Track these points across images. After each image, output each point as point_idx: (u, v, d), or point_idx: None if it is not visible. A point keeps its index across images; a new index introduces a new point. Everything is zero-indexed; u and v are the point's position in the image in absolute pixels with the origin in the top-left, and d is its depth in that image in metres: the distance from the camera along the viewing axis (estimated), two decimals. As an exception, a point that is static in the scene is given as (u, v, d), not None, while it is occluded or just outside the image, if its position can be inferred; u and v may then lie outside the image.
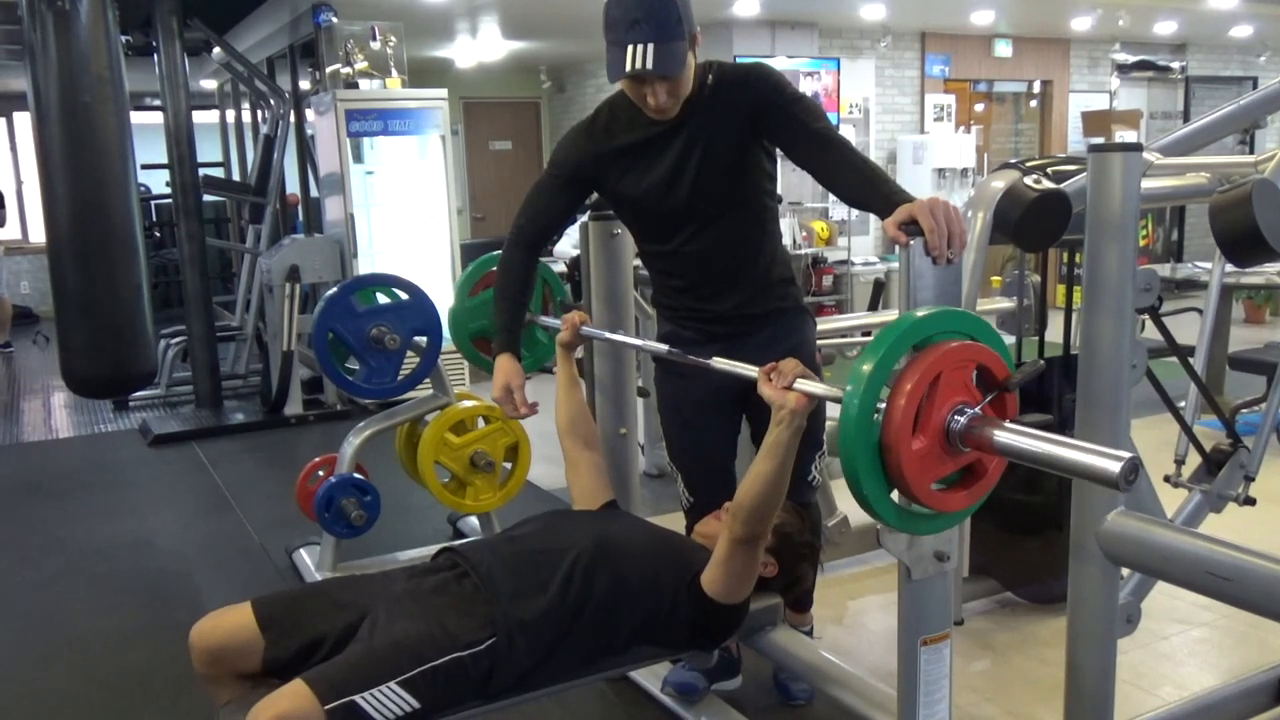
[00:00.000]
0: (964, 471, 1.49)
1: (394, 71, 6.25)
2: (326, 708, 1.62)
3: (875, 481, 1.42)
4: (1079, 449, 1.33)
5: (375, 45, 6.21)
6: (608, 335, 2.44)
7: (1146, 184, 1.92)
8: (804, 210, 8.35)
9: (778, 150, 2.24)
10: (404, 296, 3.44)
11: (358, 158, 6.15)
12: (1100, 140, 9.08)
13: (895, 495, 1.47)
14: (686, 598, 1.95)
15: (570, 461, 2.36)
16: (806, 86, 7.98)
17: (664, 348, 2.24)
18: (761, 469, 1.80)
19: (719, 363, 1.96)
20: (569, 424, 2.39)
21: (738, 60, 7.78)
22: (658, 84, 2.05)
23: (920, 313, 1.48)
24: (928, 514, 1.49)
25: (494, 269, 2.88)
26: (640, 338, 3.12)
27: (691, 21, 2.05)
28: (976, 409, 1.44)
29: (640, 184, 2.23)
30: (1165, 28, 9.35)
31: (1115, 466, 1.27)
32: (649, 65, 1.98)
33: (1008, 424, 1.43)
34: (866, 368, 1.41)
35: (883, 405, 1.40)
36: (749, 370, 1.82)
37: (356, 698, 1.65)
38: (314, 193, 6.95)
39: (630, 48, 1.98)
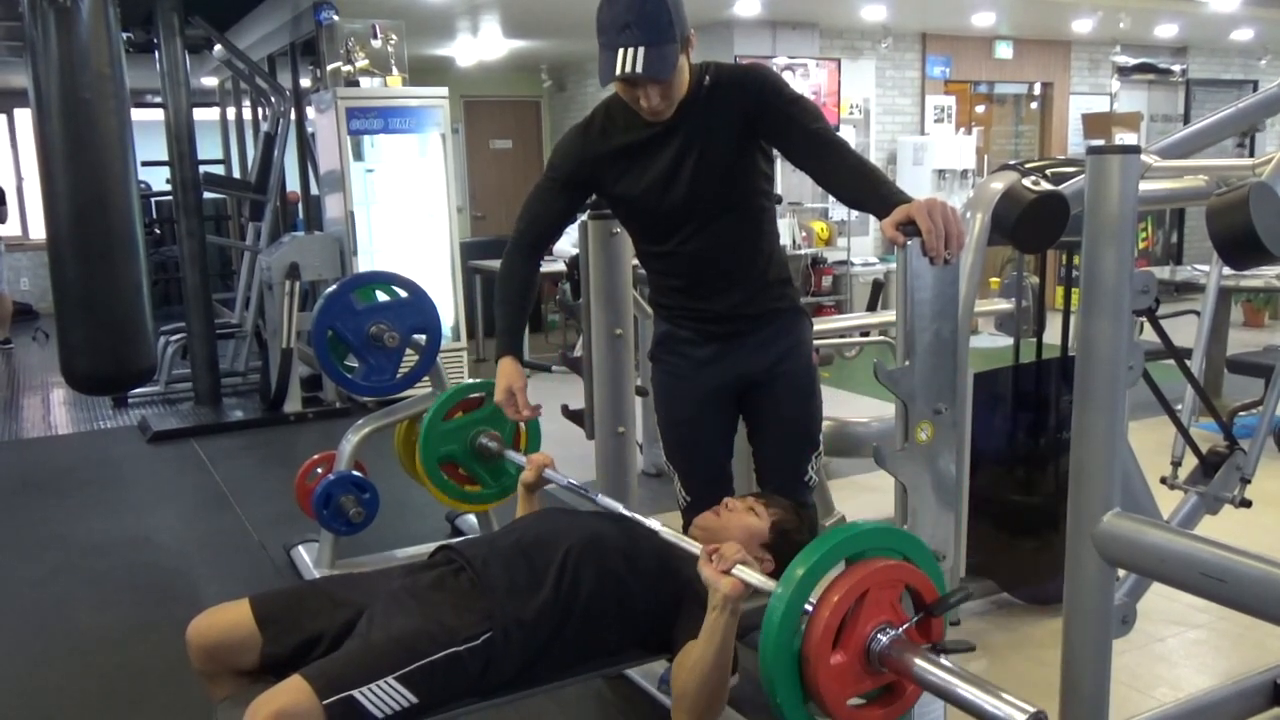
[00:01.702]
0: (884, 689, 1.48)
1: (395, 69, 6.25)
2: (325, 703, 1.63)
3: (790, 691, 1.42)
4: (987, 696, 1.32)
5: (376, 43, 6.22)
6: (570, 481, 2.30)
7: (1145, 186, 1.92)
8: (804, 210, 8.36)
9: (775, 151, 2.25)
10: (403, 295, 3.45)
11: (358, 156, 6.15)
12: (1100, 142, 9.10)
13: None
14: (677, 597, 1.95)
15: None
16: (807, 83, 7.99)
17: (619, 507, 2.18)
18: (698, 654, 1.77)
19: (665, 532, 1.94)
20: None
21: (738, 60, 7.79)
22: (649, 87, 2.05)
23: (855, 528, 1.49)
24: None
25: (472, 395, 2.89)
26: (636, 344, 3.13)
27: (684, 24, 2.05)
28: (900, 630, 1.44)
29: (637, 185, 2.23)
30: (1166, 30, 9.36)
31: (1020, 718, 1.27)
32: (639, 69, 1.98)
33: (927, 654, 1.42)
34: (797, 573, 1.41)
35: (810, 613, 1.41)
36: (693, 547, 1.82)
37: (355, 693, 1.66)
38: (314, 190, 6.96)
39: (621, 51, 1.98)
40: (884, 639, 1.43)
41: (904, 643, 1.43)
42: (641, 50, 1.97)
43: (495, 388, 2.36)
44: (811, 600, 1.42)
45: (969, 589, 1.55)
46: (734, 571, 1.69)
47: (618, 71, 1.99)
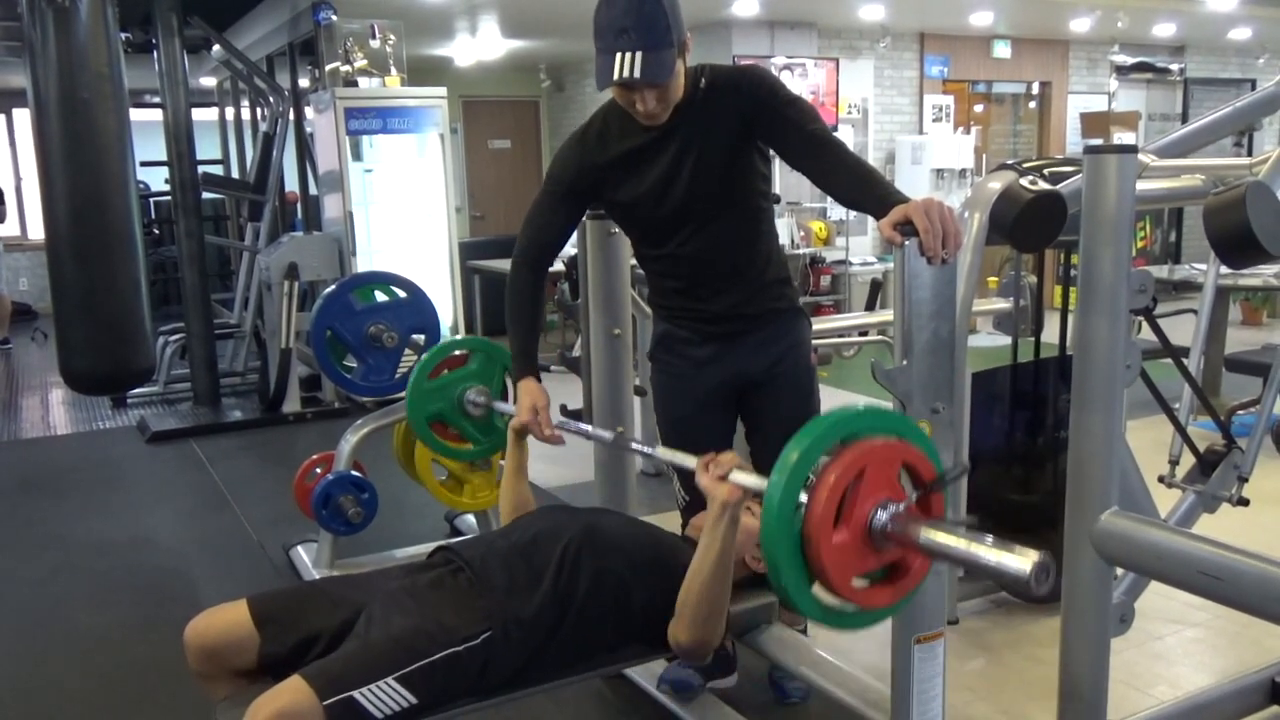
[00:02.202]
0: (889, 569, 1.48)
1: (393, 70, 6.25)
2: (325, 703, 1.63)
3: (795, 573, 1.41)
4: (997, 551, 1.33)
5: (375, 43, 6.22)
6: (562, 419, 2.34)
7: (1142, 186, 1.93)
8: (802, 210, 8.36)
9: (771, 151, 2.25)
10: (402, 295, 3.45)
11: (357, 156, 6.15)
12: (1098, 141, 9.10)
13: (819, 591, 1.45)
14: (668, 613, 1.96)
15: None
16: (805, 83, 8.00)
17: (609, 435, 2.22)
18: (699, 565, 1.78)
19: (661, 451, 1.97)
20: (511, 514, 2.32)
21: (736, 60, 7.78)
22: (646, 91, 2.05)
23: (849, 409, 1.48)
24: (851, 610, 1.47)
25: (455, 353, 2.88)
26: (633, 338, 3.13)
27: (681, 29, 2.05)
28: (901, 506, 1.44)
29: (636, 191, 2.23)
30: (1164, 29, 9.36)
31: (1026, 566, 1.28)
32: (637, 74, 1.98)
33: (929, 521, 1.42)
34: (792, 457, 1.40)
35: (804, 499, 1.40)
36: (688, 460, 1.82)
37: (354, 693, 1.66)
38: (313, 190, 6.96)
39: (618, 55, 1.97)
40: (885, 515, 1.42)
41: (906, 516, 1.43)
42: (639, 54, 1.97)
43: (519, 408, 2.30)
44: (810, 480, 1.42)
45: (967, 465, 1.55)
46: (731, 477, 1.69)
47: (615, 76, 1.99)
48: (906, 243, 1.66)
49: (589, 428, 2.34)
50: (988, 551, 1.34)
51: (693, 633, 1.85)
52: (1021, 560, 1.29)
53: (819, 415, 1.46)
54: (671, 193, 2.21)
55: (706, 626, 1.84)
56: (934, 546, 1.39)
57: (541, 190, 2.35)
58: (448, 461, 3.43)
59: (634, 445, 2.34)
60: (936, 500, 1.49)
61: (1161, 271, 6.63)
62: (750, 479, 1.68)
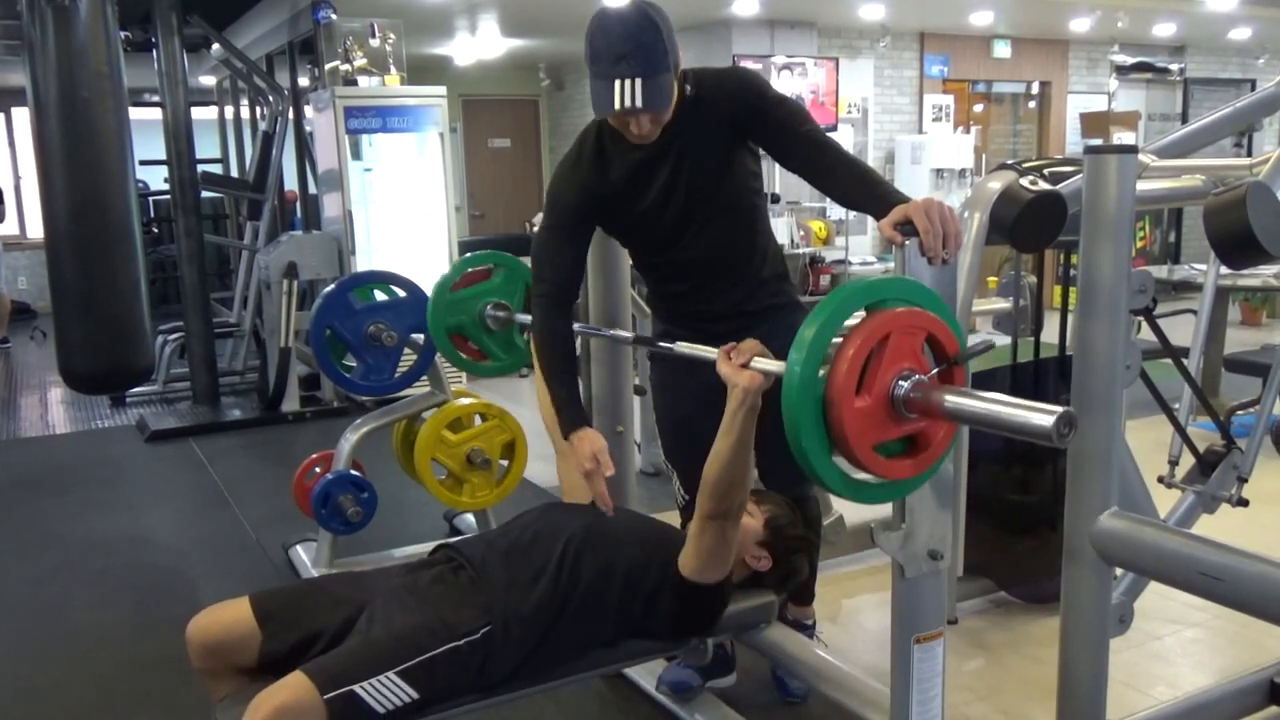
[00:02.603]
0: (910, 442, 1.48)
1: (393, 69, 6.25)
2: (326, 698, 1.63)
3: (816, 439, 1.40)
4: (1015, 408, 1.36)
5: (374, 42, 6.21)
6: (589, 329, 2.43)
7: (1142, 186, 1.93)
8: (801, 209, 8.37)
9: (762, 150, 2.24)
10: (401, 294, 3.45)
11: (356, 155, 6.15)
12: (1098, 142, 9.11)
13: (841, 462, 1.45)
14: (667, 585, 1.97)
15: (561, 452, 2.34)
16: (805, 82, 8.00)
17: (629, 335, 2.22)
18: (719, 446, 1.83)
19: (681, 347, 1.99)
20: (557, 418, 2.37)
21: (736, 60, 7.77)
22: (642, 115, 2.04)
23: (873, 279, 1.49)
24: (873, 482, 1.47)
25: (478, 268, 2.86)
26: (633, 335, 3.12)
27: (676, 50, 2.03)
28: (924, 377, 1.44)
29: (639, 208, 2.23)
30: (1164, 29, 9.36)
31: (1048, 421, 1.31)
32: (638, 103, 1.96)
33: (952, 389, 1.43)
34: (814, 326, 1.40)
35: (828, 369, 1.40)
36: (709, 352, 1.83)
37: (356, 688, 1.67)
38: (312, 189, 6.96)
39: (618, 83, 1.96)
40: (907, 384, 1.42)
41: (928, 384, 1.43)
42: (639, 82, 1.95)
43: (579, 457, 2.12)
44: (833, 344, 1.42)
45: (992, 341, 1.56)
46: (752, 364, 1.71)
47: (616, 105, 1.97)
48: (907, 243, 1.66)
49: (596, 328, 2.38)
50: (1010, 410, 1.36)
51: (713, 503, 1.88)
52: (1044, 416, 1.31)
53: (846, 283, 1.46)
54: (672, 204, 2.21)
55: (727, 498, 1.88)
56: (957, 410, 1.40)
57: (546, 225, 2.28)
58: (447, 460, 3.43)
59: (648, 341, 2.32)
60: (959, 373, 1.49)
61: (1161, 272, 6.63)
62: (772, 365, 1.68)
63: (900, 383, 1.43)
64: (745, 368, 1.71)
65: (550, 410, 2.33)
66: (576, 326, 2.32)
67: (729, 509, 1.91)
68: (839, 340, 1.44)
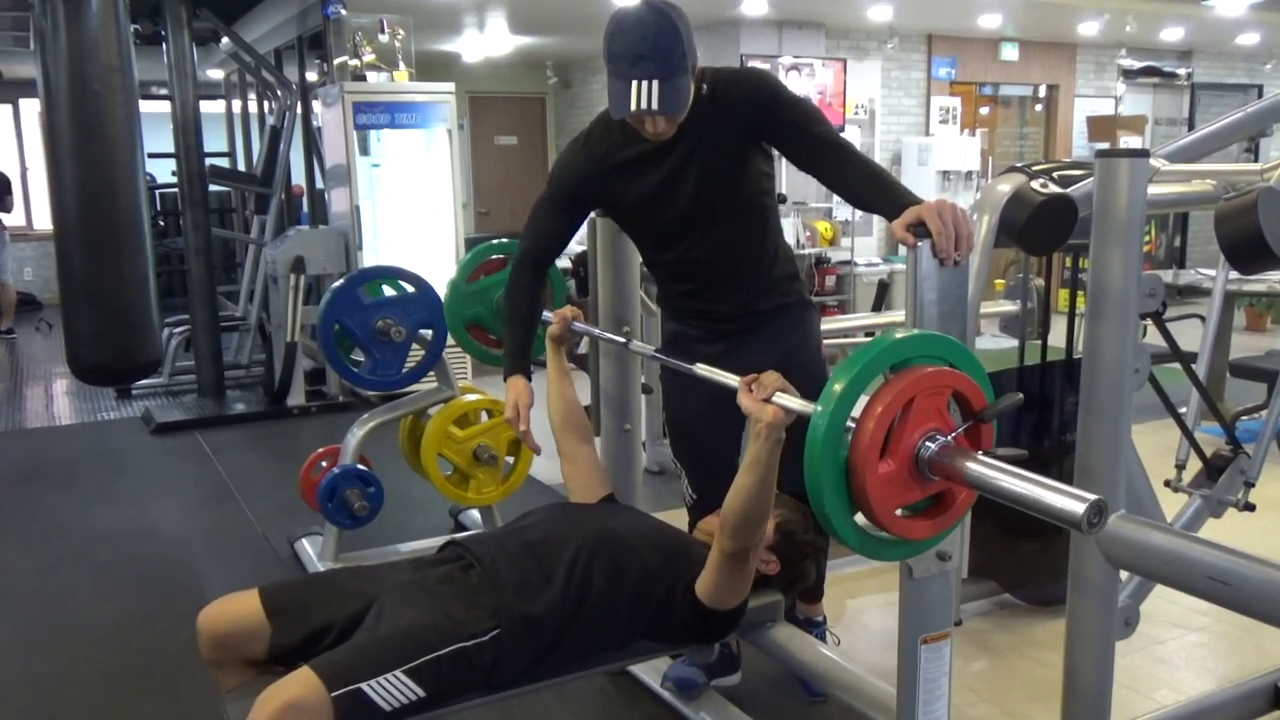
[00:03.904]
0: (932, 500, 1.46)
1: (401, 65, 6.26)
2: (333, 695, 1.63)
3: (839, 501, 1.38)
4: (1043, 488, 1.30)
5: (383, 38, 6.22)
6: (596, 331, 2.44)
7: (1152, 190, 1.93)
8: (808, 210, 8.36)
9: (775, 151, 2.25)
10: (410, 289, 3.46)
11: (364, 150, 6.16)
12: (1105, 145, 9.10)
13: (860, 519, 1.43)
14: (682, 599, 1.96)
15: (566, 455, 2.37)
16: (812, 83, 7.99)
17: (650, 349, 2.24)
18: (744, 482, 1.78)
19: (700, 369, 1.95)
20: (563, 419, 2.39)
21: (744, 60, 7.76)
22: (658, 116, 2.04)
23: (900, 333, 1.45)
24: (891, 540, 1.45)
25: (493, 257, 2.89)
26: (640, 335, 3.13)
27: (694, 52, 2.04)
28: (949, 437, 1.41)
29: (642, 198, 2.24)
30: (1172, 34, 9.35)
31: (1079, 508, 1.25)
32: (655, 105, 1.97)
33: (980, 456, 1.39)
34: (839, 385, 1.37)
35: (852, 426, 1.37)
36: (730, 379, 1.80)
37: (363, 685, 1.67)
38: (319, 184, 6.97)
39: (635, 84, 1.97)
40: (933, 446, 1.39)
41: (954, 448, 1.40)
42: (656, 84, 1.96)
43: (505, 405, 2.38)
44: (855, 413, 1.39)
45: (1019, 396, 1.50)
46: (775, 399, 1.67)
47: (633, 107, 1.98)
48: (920, 244, 1.66)
49: (633, 342, 2.37)
50: (1037, 489, 1.30)
51: (735, 540, 1.84)
52: (1074, 501, 1.25)
53: (871, 341, 1.44)
54: (676, 198, 2.21)
55: (750, 534, 1.85)
56: (981, 481, 1.36)
57: (543, 194, 2.35)
58: (453, 456, 3.44)
59: (666, 357, 2.25)
60: (986, 431, 1.46)
61: (1166, 276, 6.62)
62: (795, 402, 1.65)
63: (926, 444, 1.40)
64: (768, 402, 1.68)
65: (558, 409, 2.36)
66: (595, 330, 2.41)
67: (751, 545, 1.88)
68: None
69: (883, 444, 1.37)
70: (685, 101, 2.04)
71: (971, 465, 1.37)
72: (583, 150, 2.29)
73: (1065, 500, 1.28)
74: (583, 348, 4.24)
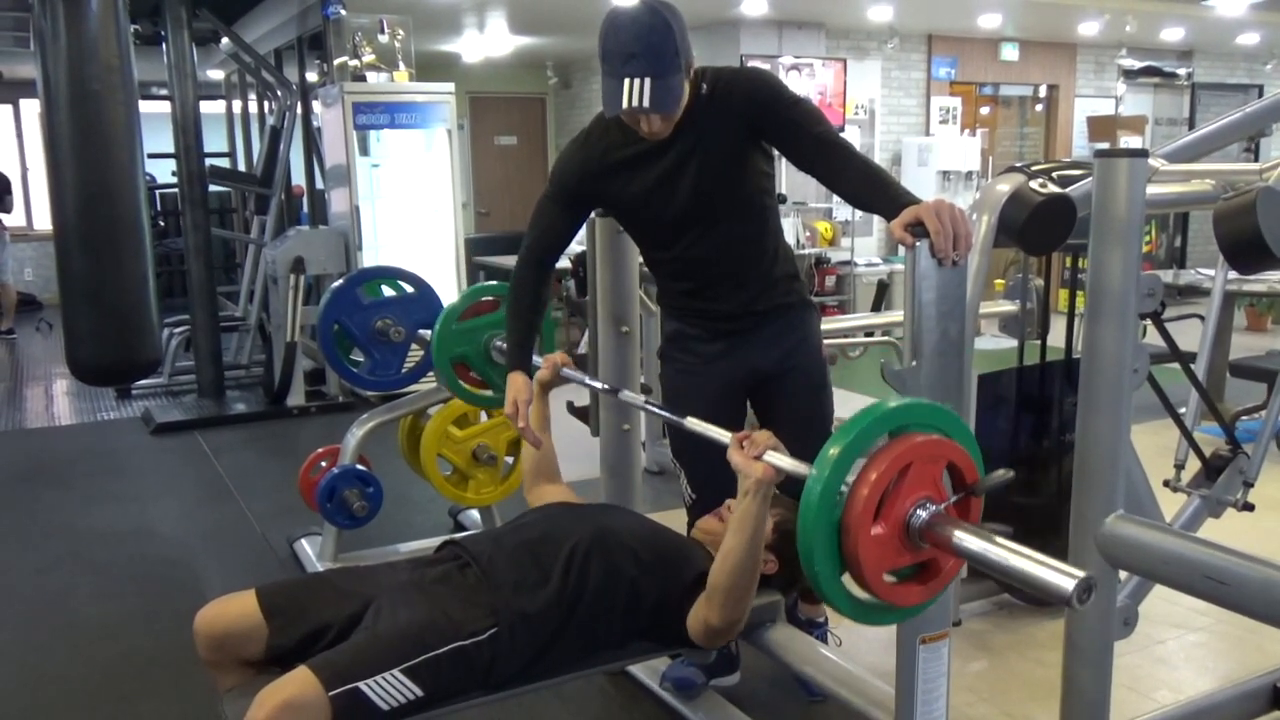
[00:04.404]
0: (920, 567, 1.47)
1: (401, 65, 6.26)
2: (331, 694, 1.63)
3: (829, 561, 1.40)
4: (1034, 562, 1.31)
5: (383, 38, 6.23)
6: (587, 380, 2.38)
7: (1151, 190, 1.93)
8: (808, 210, 8.37)
9: (775, 151, 2.25)
10: (409, 290, 3.46)
11: (364, 150, 6.16)
12: (1105, 145, 9.10)
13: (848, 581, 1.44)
14: (679, 603, 1.96)
15: (529, 491, 2.36)
16: (812, 83, 7.99)
17: (640, 399, 2.22)
18: (731, 545, 1.76)
19: (691, 423, 1.93)
20: (535, 469, 2.37)
21: (744, 60, 7.76)
22: (651, 114, 2.05)
23: (897, 401, 1.48)
24: (878, 605, 1.47)
25: (486, 298, 2.91)
26: (640, 334, 3.13)
27: (688, 51, 2.04)
28: (941, 506, 1.43)
29: (640, 195, 2.24)
30: (1172, 34, 9.35)
31: (1069, 584, 1.26)
32: (645, 103, 1.98)
33: (968, 526, 1.41)
34: (835, 450, 1.40)
35: (846, 488, 1.40)
36: (722, 435, 1.79)
37: (361, 684, 1.67)
38: (319, 185, 6.97)
39: (627, 82, 1.97)
40: (924, 514, 1.41)
41: (945, 517, 1.41)
42: (648, 82, 1.97)
43: (505, 400, 2.36)
44: (850, 477, 1.40)
45: (1011, 472, 1.51)
46: (766, 457, 1.66)
47: (624, 104, 1.98)
48: (918, 244, 1.66)
49: (623, 391, 2.31)
50: (1026, 564, 1.32)
51: (724, 613, 1.83)
52: (1064, 578, 1.27)
53: (871, 405, 1.44)
54: (675, 196, 2.21)
55: (739, 606, 1.83)
56: (972, 553, 1.38)
57: (545, 192, 2.35)
58: (453, 456, 3.44)
59: (659, 409, 2.19)
60: (975, 505, 1.48)
61: (1166, 276, 6.62)
62: (786, 461, 1.65)
63: (918, 512, 1.42)
64: (758, 460, 1.67)
65: (530, 457, 2.37)
66: (585, 379, 2.37)
67: (740, 617, 1.86)
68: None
69: (877, 507, 1.40)
70: (678, 100, 2.04)
71: (961, 535, 1.39)
72: (582, 148, 2.29)
73: (1055, 576, 1.29)
74: (582, 348, 4.24)
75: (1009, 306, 3.26)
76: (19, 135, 10.95)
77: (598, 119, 2.28)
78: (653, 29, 1.97)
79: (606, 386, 2.34)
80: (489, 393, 2.95)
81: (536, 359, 2.45)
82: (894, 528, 1.41)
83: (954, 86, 9.36)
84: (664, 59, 1.98)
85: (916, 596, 1.48)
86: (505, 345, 2.45)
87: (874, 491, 1.38)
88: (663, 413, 2.04)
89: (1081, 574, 1.26)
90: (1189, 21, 8.81)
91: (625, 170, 2.23)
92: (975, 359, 2.48)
